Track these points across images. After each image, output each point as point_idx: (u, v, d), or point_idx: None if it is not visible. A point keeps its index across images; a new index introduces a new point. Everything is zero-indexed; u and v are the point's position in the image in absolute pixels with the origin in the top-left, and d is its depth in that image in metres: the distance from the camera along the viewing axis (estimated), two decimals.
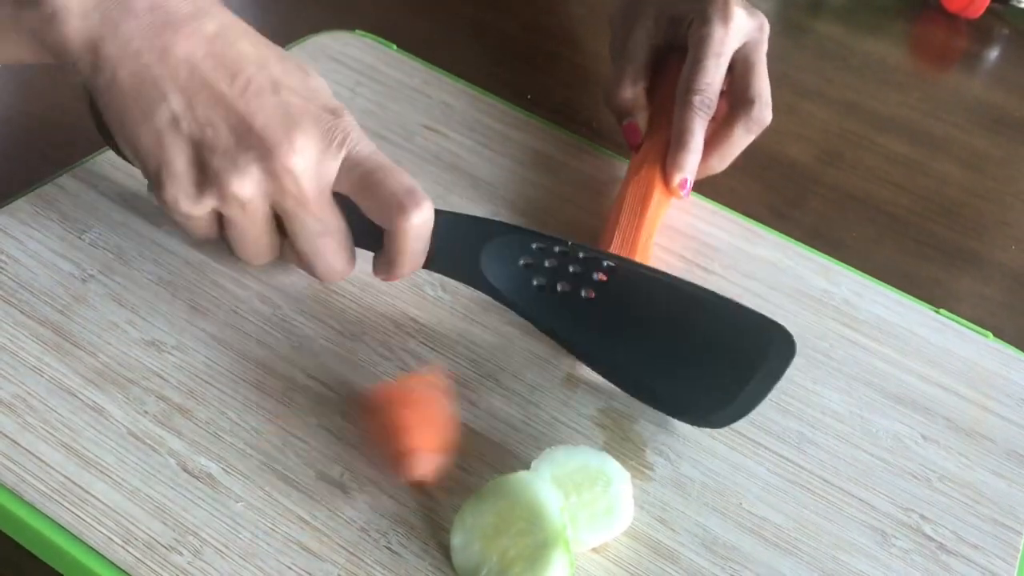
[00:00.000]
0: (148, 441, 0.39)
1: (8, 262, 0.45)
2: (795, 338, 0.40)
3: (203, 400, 0.41)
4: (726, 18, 0.51)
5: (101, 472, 0.38)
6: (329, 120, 0.40)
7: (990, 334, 0.51)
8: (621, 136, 0.55)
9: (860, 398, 0.47)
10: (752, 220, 0.56)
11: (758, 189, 0.55)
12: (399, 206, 0.39)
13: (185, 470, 0.39)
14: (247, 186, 0.39)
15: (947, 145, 0.68)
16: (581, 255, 0.43)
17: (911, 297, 0.53)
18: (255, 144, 0.38)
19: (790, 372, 0.46)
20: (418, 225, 0.40)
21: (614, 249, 0.48)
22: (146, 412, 0.40)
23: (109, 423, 0.40)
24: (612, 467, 0.40)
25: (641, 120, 0.53)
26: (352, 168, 0.40)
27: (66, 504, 0.37)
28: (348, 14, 0.68)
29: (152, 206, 0.49)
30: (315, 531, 0.38)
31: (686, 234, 0.54)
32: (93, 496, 0.37)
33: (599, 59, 0.69)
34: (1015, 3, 0.82)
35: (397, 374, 0.44)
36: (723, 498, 0.42)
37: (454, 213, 0.43)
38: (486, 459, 0.41)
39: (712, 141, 0.52)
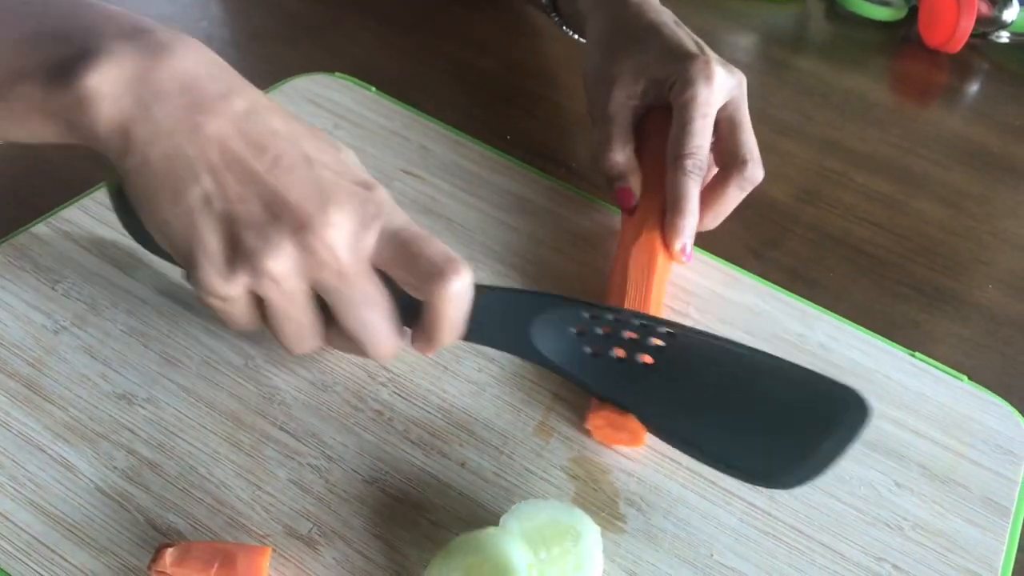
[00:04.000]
0: (116, 497, 0.39)
1: None
2: None
3: (172, 454, 0.41)
4: (709, 78, 0.51)
5: (68, 530, 0.38)
6: (363, 193, 0.39)
7: (966, 378, 0.51)
8: (599, 178, 0.55)
9: None
10: (729, 263, 0.56)
11: (736, 229, 0.55)
12: (438, 274, 0.39)
13: (153, 527, 0.39)
14: (281, 261, 0.38)
15: (926, 182, 0.68)
16: (636, 322, 0.43)
17: (887, 340, 0.53)
18: (289, 219, 0.38)
19: None
20: (457, 293, 0.39)
21: None
22: (115, 467, 0.40)
23: (77, 479, 0.40)
24: (582, 521, 0.40)
25: (635, 183, 0.53)
26: (388, 240, 0.39)
27: (31, 564, 0.37)
28: (329, 56, 0.69)
29: (127, 255, 0.49)
30: None
31: None
32: (60, 555, 0.37)
33: (578, 99, 0.69)
34: (994, 38, 0.83)
35: (369, 425, 0.44)
36: (694, 549, 0.42)
37: (499, 287, 0.43)
38: (456, 512, 0.41)
39: (706, 200, 0.52)
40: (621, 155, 0.54)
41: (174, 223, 0.38)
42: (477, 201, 0.57)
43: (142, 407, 0.43)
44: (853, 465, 0.46)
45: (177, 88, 0.38)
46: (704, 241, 0.56)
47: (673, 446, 0.43)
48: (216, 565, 0.36)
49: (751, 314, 0.53)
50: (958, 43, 0.81)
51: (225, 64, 0.40)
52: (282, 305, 0.39)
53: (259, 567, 0.37)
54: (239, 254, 0.38)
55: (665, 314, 0.52)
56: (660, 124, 0.54)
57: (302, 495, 0.41)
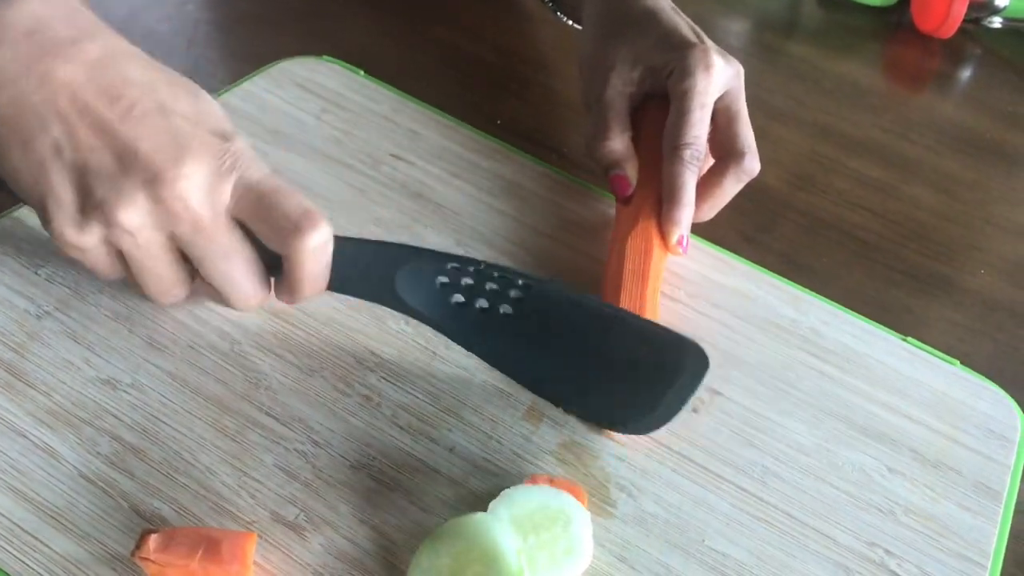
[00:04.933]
0: (100, 483, 0.39)
1: None
2: (762, 368, 0.41)
3: (157, 440, 0.41)
4: (708, 68, 0.50)
5: (50, 517, 0.38)
6: (219, 144, 0.39)
7: (958, 362, 0.51)
8: (592, 164, 0.54)
9: (826, 430, 0.47)
10: (721, 248, 0.55)
11: (728, 214, 0.55)
12: (294, 228, 0.39)
13: (137, 513, 0.38)
14: (134, 214, 0.37)
15: (919, 168, 0.68)
16: (496, 274, 0.44)
17: (879, 325, 0.53)
18: (141, 170, 0.37)
19: (755, 404, 0.47)
20: (315, 247, 0.39)
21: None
22: (99, 453, 0.40)
23: (60, 465, 0.39)
24: (571, 506, 0.39)
25: (631, 171, 0.52)
26: (245, 193, 0.39)
27: (12, 551, 0.36)
28: (316, 39, 0.68)
29: None
30: (269, 575, 0.37)
31: None
32: (42, 542, 0.37)
33: (570, 83, 0.68)
34: (987, 23, 0.82)
35: (356, 410, 0.43)
36: (685, 534, 0.41)
37: (362, 239, 0.44)
38: (444, 498, 0.41)
39: (702, 191, 0.51)
40: (618, 143, 0.53)
41: (24, 172, 0.38)
42: (467, 186, 0.56)
43: (126, 392, 0.42)
44: (845, 450, 0.46)
45: (23, 32, 0.37)
46: (696, 226, 0.55)
47: (535, 393, 0.46)
48: (201, 551, 0.36)
49: (743, 299, 0.52)
50: (951, 28, 0.80)
51: (81, 8, 0.39)
52: (139, 257, 0.39)
53: (244, 553, 0.36)
54: (91, 205, 0.37)
55: (658, 299, 0.51)
56: (655, 113, 0.53)
57: (288, 481, 0.40)
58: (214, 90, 0.52)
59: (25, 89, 0.37)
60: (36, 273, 0.46)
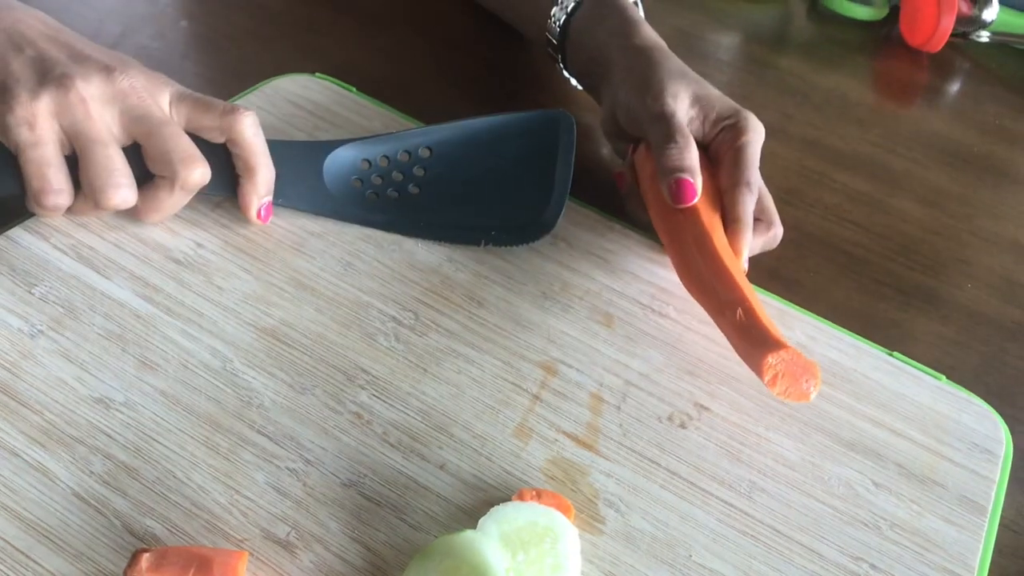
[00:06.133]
0: (93, 502, 0.39)
1: None
2: (749, 383, 0.45)
3: (150, 459, 0.41)
4: (760, 131, 0.55)
5: (43, 536, 0.38)
6: (153, 71, 0.48)
7: (943, 377, 0.52)
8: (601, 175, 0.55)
9: (813, 444, 0.47)
10: None
11: None
12: (232, 110, 0.47)
13: (130, 532, 0.39)
14: (90, 84, 0.44)
15: (906, 181, 0.69)
16: (402, 159, 0.53)
17: (866, 340, 0.53)
18: (94, 63, 0.45)
19: (742, 419, 0.47)
20: (253, 122, 0.48)
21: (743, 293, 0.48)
22: (92, 472, 0.40)
23: (54, 484, 0.40)
24: (560, 523, 0.40)
25: (699, 180, 0.52)
26: (180, 99, 0.47)
27: (5, 569, 0.37)
28: (307, 56, 0.69)
29: (104, 258, 0.49)
30: None
31: (641, 278, 0.54)
32: (34, 561, 0.37)
33: (563, 99, 0.69)
34: (975, 37, 0.83)
35: (347, 428, 0.44)
36: (672, 550, 0.42)
37: (288, 141, 0.53)
38: (434, 515, 0.41)
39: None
40: (694, 151, 0.53)
41: None
42: None
43: (119, 411, 0.43)
44: (831, 464, 0.46)
45: None
46: None
47: (454, 243, 0.53)
48: (192, 570, 0.36)
49: None
50: (939, 42, 0.81)
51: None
52: (85, 131, 0.44)
53: (235, 571, 0.37)
54: (50, 78, 0.43)
55: (647, 313, 0.52)
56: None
57: (280, 499, 0.41)
58: None
59: None
60: (30, 292, 0.47)
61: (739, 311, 0.46)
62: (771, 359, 0.44)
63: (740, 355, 0.47)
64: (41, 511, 0.39)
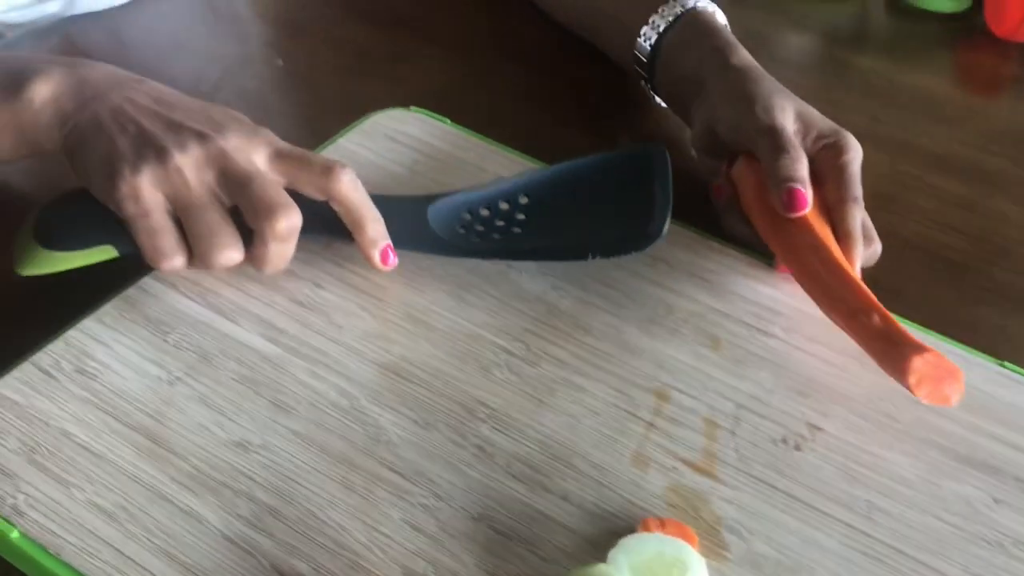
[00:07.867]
0: (243, 545, 0.42)
1: (100, 369, 0.48)
2: (861, 401, 0.48)
3: (290, 499, 0.43)
4: (860, 151, 0.56)
5: None
6: (252, 125, 0.50)
7: None
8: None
9: (929, 461, 0.47)
10: None
11: None
12: (329, 169, 0.49)
13: (279, 572, 0.41)
14: (187, 154, 0.47)
15: (1002, 181, 0.68)
16: (503, 207, 0.56)
17: (973, 351, 0.53)
18: (189, 131, 0.48)
19: (856, 439, 0.48)
20: (352, 179, 0.50)
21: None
22: (239, 515, 0.43)
23: (205, 527, 0.42)
24: (687, 553, 0.41)
25: (810, 191, 0.54)
26: (280, 157, 0.49)
27: None
28: (398, 87, 0.70)
29: (230, 303, 0.51)
30: None
31: (745, 297, 0.55)
32: None
33: (658, 118, 0.70)
34: None
35: (472, 462, 0.45)
36: (797, 575, 0.43)
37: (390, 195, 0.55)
38: (563, 547, 0.43)
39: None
40: (805, 162, 0.55)
41: (94, 157, 0.47)
42: None
43: (257, 453, 0.45)
44: (949, 481, 0.47)
45: (102, 76, 0.50)
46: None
47: (562, 259, 0.55)
48: None
49: (837, 330, 0.53)
50: None
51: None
52: (187, 198, 0.47)
53: None
54: (148, 151, 0.47)
55: (753, 334, 0.52)
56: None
57: (415, 534, 0.43)
58: (311, 147, 0.54)
59: (99, 109, 0.48)
60: (165, 340, 0.49)
61: (875, 316, 0.47)
62: (916, 362, 0.45)
63: (877, 361, 0.48)
64: (197, 555, 0.41)
